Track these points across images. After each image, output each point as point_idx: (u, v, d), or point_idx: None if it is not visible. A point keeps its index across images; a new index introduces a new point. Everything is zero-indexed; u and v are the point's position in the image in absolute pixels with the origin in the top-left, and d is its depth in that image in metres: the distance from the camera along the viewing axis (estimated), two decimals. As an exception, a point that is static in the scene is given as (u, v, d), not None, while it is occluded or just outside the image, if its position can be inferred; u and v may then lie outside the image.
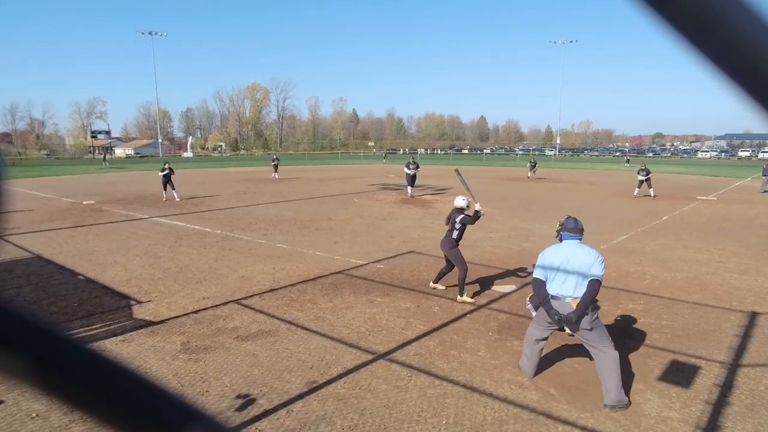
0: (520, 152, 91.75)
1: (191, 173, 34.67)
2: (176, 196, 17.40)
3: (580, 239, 4.24)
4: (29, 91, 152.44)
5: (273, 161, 28.48)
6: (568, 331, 5.27)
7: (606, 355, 4.01)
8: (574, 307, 4.00)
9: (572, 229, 4.24)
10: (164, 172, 17.26)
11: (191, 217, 13.56)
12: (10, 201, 0.29)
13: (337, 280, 7.43)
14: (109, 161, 50.07)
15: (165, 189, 17.50)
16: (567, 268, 4.07)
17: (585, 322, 4.00)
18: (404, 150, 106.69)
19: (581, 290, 4.00)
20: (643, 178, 19.04)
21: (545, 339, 4.36)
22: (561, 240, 4.31)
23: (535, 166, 30.11)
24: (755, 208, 16.22)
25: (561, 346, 5.10)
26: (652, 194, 18.71)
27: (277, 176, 27.53)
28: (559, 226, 4.40)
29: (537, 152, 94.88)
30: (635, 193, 19.17)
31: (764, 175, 22.14)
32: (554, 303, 4.12)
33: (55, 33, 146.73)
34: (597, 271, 4.01)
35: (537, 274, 4.21)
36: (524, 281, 7.38)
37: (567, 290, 4.06)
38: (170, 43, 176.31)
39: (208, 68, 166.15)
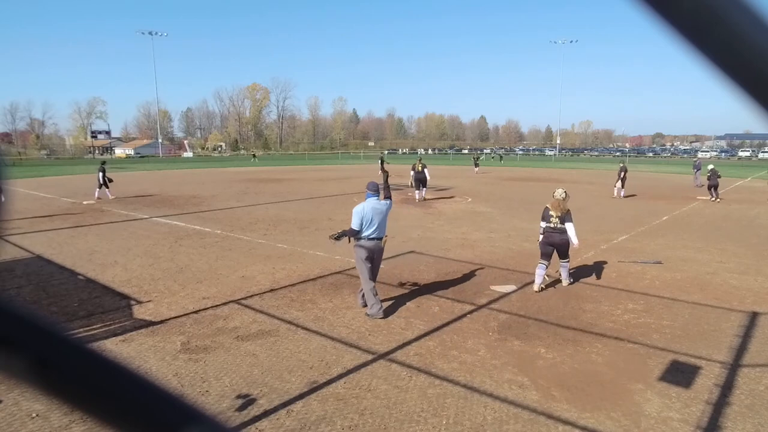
0: (520, 152, 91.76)
1: (192, 173, 34.70)
2: (102, 196, 17.54)
3: (377, 197, 5.96)
4: (29, 91, 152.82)
5: (381, 159, 29.59)
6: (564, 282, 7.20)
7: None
8: (383, 245, 5.96)
9: (372, 189, 6.01)
10: (102, 172, 17.28)
11: (191, 217, 13.56)
12: (11, 201, 0.29)
13: (337, 280, 7.43)
14: (110, 161, 50.07)
15: (100, 188, 17.41)
16: (373, 216, 5.78)
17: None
18: (404, 150, 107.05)
19: (383, 231, 5.93)
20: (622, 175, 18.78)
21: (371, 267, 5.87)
22: (366, 199, 5.91)
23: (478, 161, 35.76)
24: (755, 208, 16.22)
25: (561, 346, 5.10)
26: (622, 194, 18.68)
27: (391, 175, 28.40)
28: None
29: (537, 152, 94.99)
30: (615, 194, 18.90)
31: (695, 169, 23.21)
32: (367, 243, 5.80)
33: (55, 33, 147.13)
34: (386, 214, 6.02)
35: (355, 225, 5.74)
36: (525, 281, 7.39)
37: (376, 232, 5.82)
38: (170, 43, 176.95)
39: (208, 68, 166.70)
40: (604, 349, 5.05)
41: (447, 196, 19.51)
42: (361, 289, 6.03)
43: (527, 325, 5.69)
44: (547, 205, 7.13)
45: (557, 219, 6.96)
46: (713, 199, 17.82)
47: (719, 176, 18.21)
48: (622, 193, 18.73)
